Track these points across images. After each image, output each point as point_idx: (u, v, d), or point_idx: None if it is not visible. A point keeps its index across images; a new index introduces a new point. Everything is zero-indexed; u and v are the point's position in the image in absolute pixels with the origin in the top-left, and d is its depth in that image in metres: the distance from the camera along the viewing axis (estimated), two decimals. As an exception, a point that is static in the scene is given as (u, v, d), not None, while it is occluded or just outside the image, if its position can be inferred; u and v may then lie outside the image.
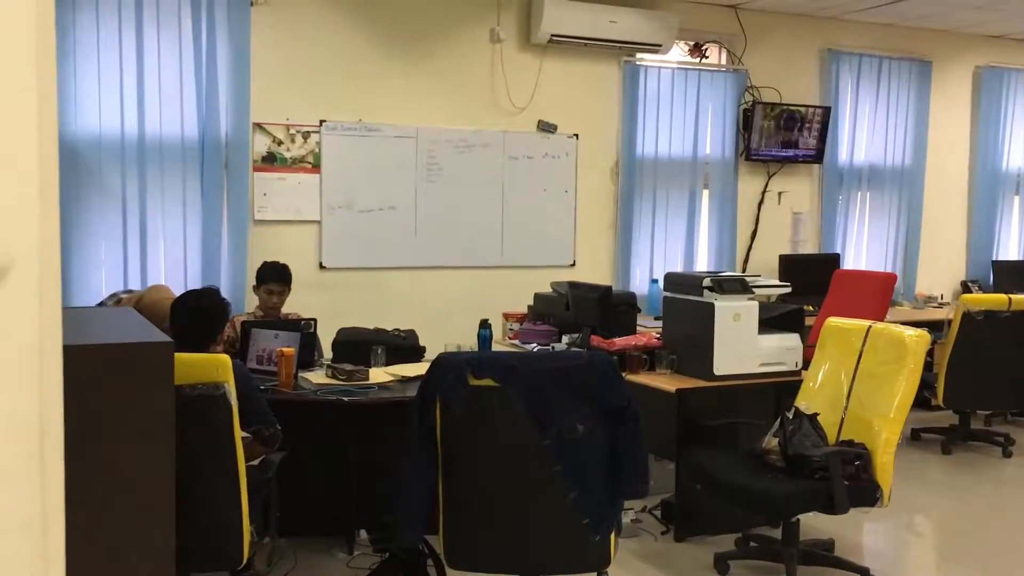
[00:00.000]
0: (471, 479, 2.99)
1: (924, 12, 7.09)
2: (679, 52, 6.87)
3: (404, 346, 4.49)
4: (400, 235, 6.05)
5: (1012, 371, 5.89)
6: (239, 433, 3.03)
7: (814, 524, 4.19)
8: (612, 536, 3.01)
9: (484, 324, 4.98)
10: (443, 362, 2.97)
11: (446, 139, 6.12)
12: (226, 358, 2.99)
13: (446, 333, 4.93)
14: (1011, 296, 5.89)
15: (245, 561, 3.10)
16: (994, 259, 8.10)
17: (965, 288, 7.83)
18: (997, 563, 4.25)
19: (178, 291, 4.09)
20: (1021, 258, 8.27)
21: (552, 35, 6.17)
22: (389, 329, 4.70)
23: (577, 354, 3.35)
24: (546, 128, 6.41)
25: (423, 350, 4.55)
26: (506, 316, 5.48)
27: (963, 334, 5.72)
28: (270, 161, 5.69)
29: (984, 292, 7.49)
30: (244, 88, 5.52)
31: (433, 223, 6.13)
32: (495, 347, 5.05)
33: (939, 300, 7.60)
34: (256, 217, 5.66)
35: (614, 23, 6.27)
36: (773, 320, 4.45)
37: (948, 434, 6.13)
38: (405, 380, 4.05)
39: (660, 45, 6.47)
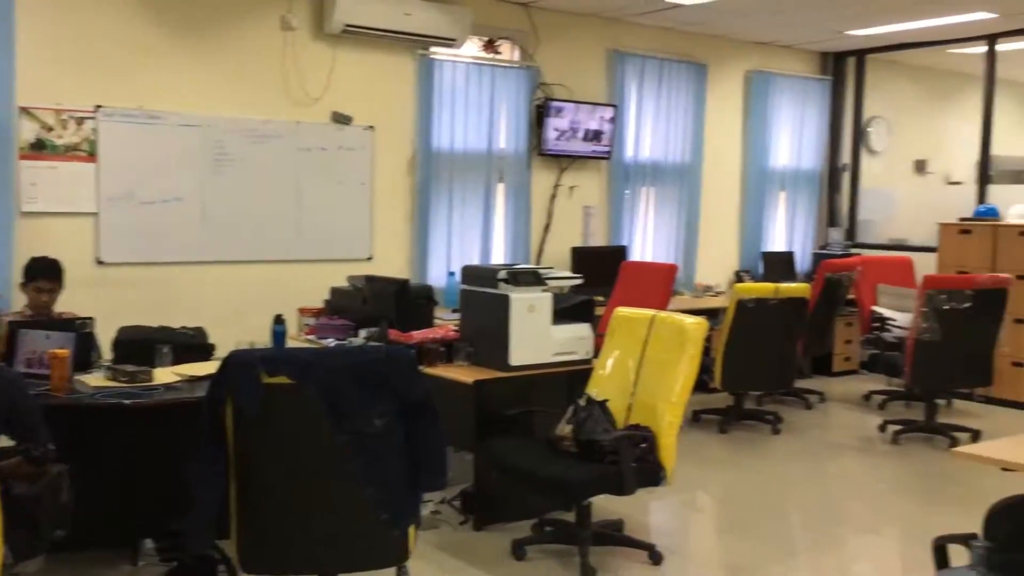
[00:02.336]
0: (265, 480, 2.91)
1: (699, 18, 7.53)
2: (473, 47, 6.95)
3: (192, 344, 4.29)
4: (187, 228, 5.78)
5: (780, 354, 6.39)
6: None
7: (606, 506, 4.36)
8: (411, 529, 3.01)
9: (278, 320, 4.85)
10: (234, 360, 2.86)
11: (235, 129, 5.90)
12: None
13: (238, 330, 4.75)
14: (778, 285, 6.37)
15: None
16: (764, 250, 8.73)
17: (738, 278, 8.40)
18: (770, 530, 4.59)
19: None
20: (787, 249, 8.96)
21: (346, 25, 6.07)
22: (176, 327, 4.48)
23: (375, 348, 3.33)
24: (341, 119, 6.31)
25: (213, 348, 4.36)
26: (301, 311, 5.36)
27: (737, 321, 6.13)
28: (39, 148, 5.28)
29: (755, 281, 8.06)
30: (6, 68, 5.08)
31: (223, 216, 5.89)
32: (290, 343, 4.93)
33: (716, 289, 8.12)
34: (24, 209, 5.24)
35: (409, 16, 6.26)
36: (566, 311, 4.59)
37: (724, 414, 6.56)
38: (194, 380, 3.87)
39: (454, 39, 6.52)
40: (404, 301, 4.87)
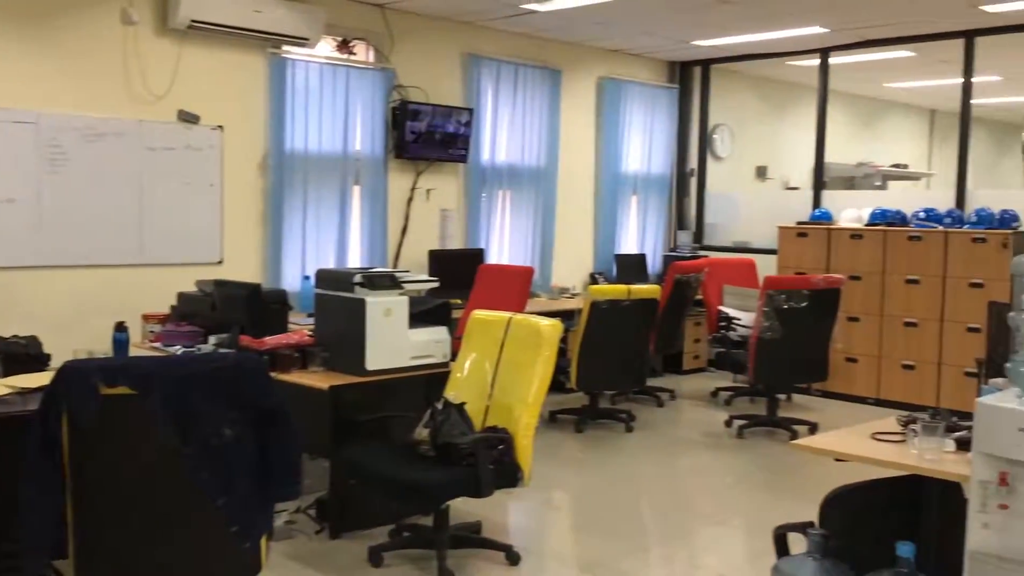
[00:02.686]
0: (106, 496, 2.76)
1: (553, 25, 7.66)
2: (327, 47, 6.84)
3: (24, 354, 4.04)
4: (19, 231, 5.44)
5: (633, 354, 6.56)
6: None
7: (465, 508, 4.37)
8: (263, 541, 2.93)
9: (120, 327, 4.63)
10: (70, 370, 2.71)
11: (72, 126, 5.60)
12: None
13: (77, 338, 4.52)
14: (630, 286, 6.54)
15: None
16: (617, 253, 8.95)
17: (593, 280, 8.59)
18: (624, 526, 4.71)
19: None
20: (639, 252, 9.22)
21: (192, 20, 5.86)
22: (7, 336, 4.21)
23: (223, 355, 3.21)
24: (187, 118, 6.09)
25: (47, 358, 4.12)
26: (146, 318, 5.13)
27: (591, 322, 6.26)
28: None
29: (609, 283, 8.25)
30: None
31: (59, 218, 5.58)
32: (133, 352, 4.72)
33: (572, 291, 8.27)
34: None
35: (259, 13, 6.10)
36: (423, 314, 4.57)
37: (580, 414, 6.70)
38: (25, 392, 3.64)
39: (307, 39, 6.40)
40: (256, 306, 4.73)
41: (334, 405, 4.23)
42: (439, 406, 3.94)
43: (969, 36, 7.55)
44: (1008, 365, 2.59)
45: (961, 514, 2.62)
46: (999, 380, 2.77)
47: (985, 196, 7.61)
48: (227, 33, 6.09)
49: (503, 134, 7.97)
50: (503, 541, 4.22)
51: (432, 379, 4.43)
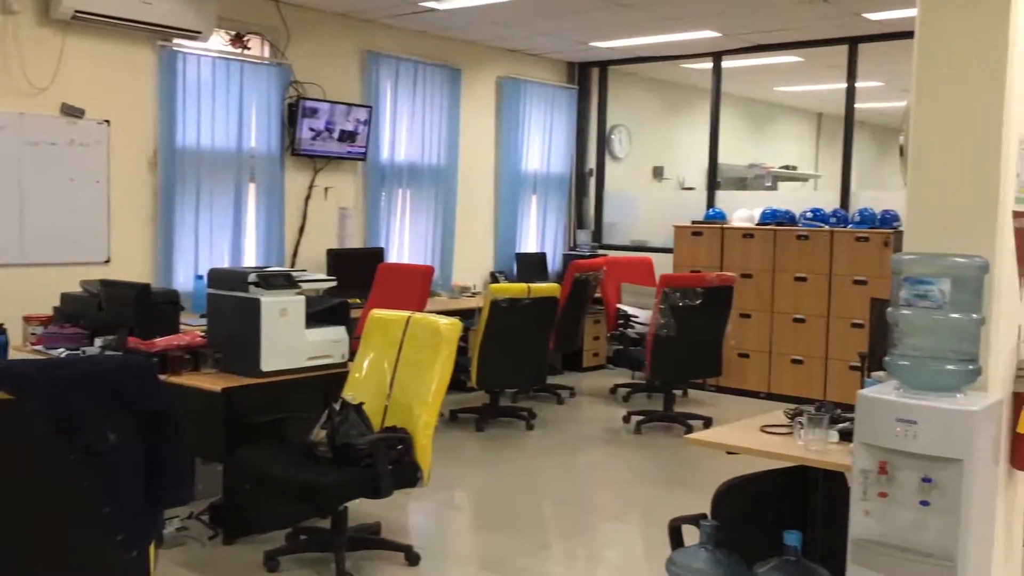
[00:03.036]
0: (-19, 507, 2.63)
1: (452, 23, 7.64)
2: (220, 41, 6.67)
3: None
4: None
5: (533, 352, 6.60)
6: None
7: (364, 509, 4.33)
8: (152, 549, 2.83)
9: (-1, 330, 4.43)
10: (-59, 376, 2.57)
11: (-54, 119, 5.32)
12: None
13: (-50, 342, 4.30)
14: (530, 285, 6.58)
15: None
16: (517, 252, 9.00)
17: (494, 279, 8.61)
18: (525, 523, 4.74)
19: None
20: (539, 250, 9.28)
21: (76, 11, 5.63)
22: None
23: (107, 358, 3.09)
24: (72, 112, 5.85)
25: (-81, 363, 3.91)
26: (27, 319, 4.91)
27: (491, 321, 6.27)
28: None
29: (510, 282, 8.29)
30: None
31: (-69, 215, 5.30)
32: (13, 355, 4.52)
33: (473, 290, 8.27)
34: None
35: (148, 4, 5.90)
36: (320, 314, 4.51)
37: (481, 413, 6.71)
38: None
39: (199, 32, 6.23)
40: (145, 307, 4.59)
41: (228, 407, 4.13)
42: (337, 407, 3.89)
43: (853, 42, 7.85)
44: (887, 359, 2.70)
45: (845, 503, 2.72)
46: (880, 373, 2.88)
47: (868, 197, 7.94)
48: (114, 24, 5.88)
49: (403, 132, 7.91)
50: (403, 541, 4.19)
51: (330, 379, 4.37)
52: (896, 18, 6.88)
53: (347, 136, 7.32)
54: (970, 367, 2.58)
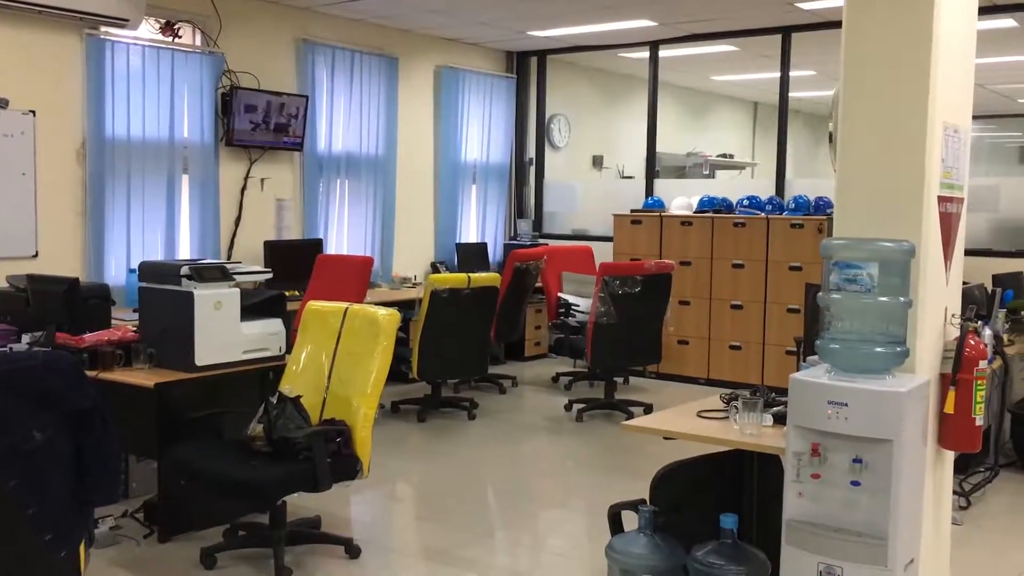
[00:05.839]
0: (-100, 510, 2.54)
1: (389, 12, 7.57)
2: (150, 29, 6.52)
3: None
4: None
5: (474, 342, 6.59)
6: None
7: (304, 504, 4.28)
8: (82, 549, 2.76)
9: (-81, 327, 4.27)
10: None
11: None
12: None
13: None
14: (471, 275, 6.56)
15: None
16: (458, 242, 8.97)
17: (435, 269, 8.58)
18: (468, 513, 4.73)
19: None
20: (480, 240, 9.26)
21: (-3, -3, 5.46)
22: None
23: (31, 354, 3.00)
24: (-6, 102, 5.67)
25: None
26: (-50, 317, 4.75)
27: (432, 311, 6.24)
28: None
29: (451, 272, 8.26)
30: None
31: None
32: (-65, 353, 4.35)
33: (413, 281, 8.23)
34: None
35: (73, -9, 5.75)
36: (256, 306, 4.44)
37: (422, 404, 6.68)
38: None
39: (127, 20, 6.07)
40: (75, 302, 4.46)
41: (161, 403, 4.05)
42: (274, 400, 3.84)
43: (786, 32, 7.97)
44: (818, 342, 2.74)
45: (779, 485, 2.77)
46: (814, 357, 2.94)
47: (803, 184, 8.07)
48: (37, 11, 5.71)
49: (340, 122, 7.82)
50: (343, 535, 4.15)
51: (267, 373, 4.31)
52: (828, 7, 6.99)
53: (283, 126, 7.21)
54: (898, 349, 2.64)
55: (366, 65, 7.95)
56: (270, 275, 4.87)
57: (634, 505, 3.14)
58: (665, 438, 3.25)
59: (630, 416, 6.45)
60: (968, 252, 3.10)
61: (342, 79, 7.77)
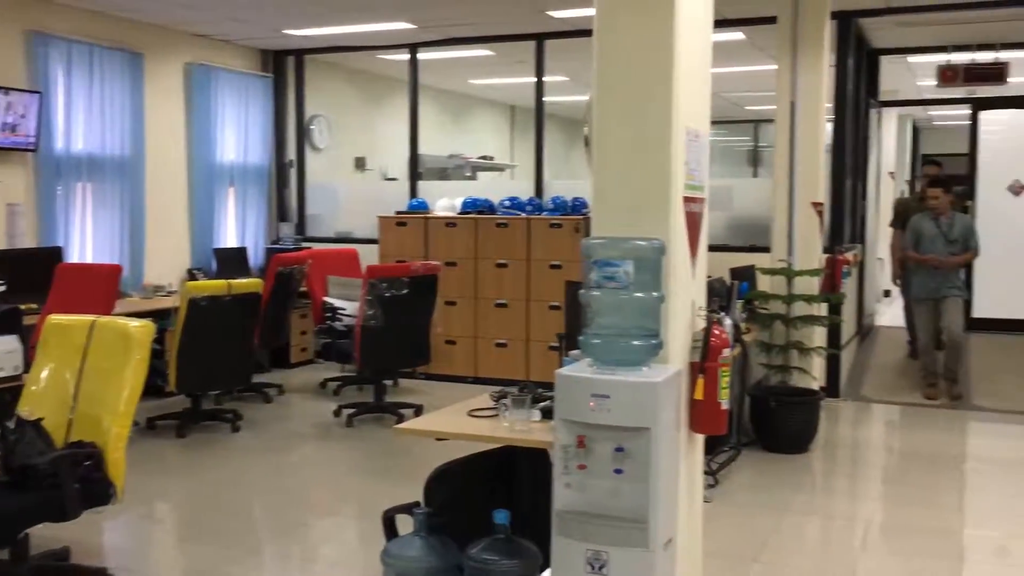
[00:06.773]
0: None
1: (132, 5, 7.14)
2: None
3: None
4: None
5: (236, 351, 6.34)
6: None
7: (51, 535, 3.93)
8: None
9: None
10: None
11: None
12: None
13: None
14: (231, 281, 6.30)
15: None
16: (216, 247, 8.59)
17: (191, 276, 8.16)
18: (234, 530, 4.54)
19: None
20: (239, 245, 8.92)
21: None
22: None
23: None
24: None
25: None
26: None
27: (190, 321, 5.94)
28: None
29: (208, 279, 7.89)
30: None
31: None
32: None
33: (168, 289, 7.78)
34: None
35: None
36: (-14, 323, 4.05)
37: (182, 418, 6.34)
38: None
39: None
40: None
41: None
42: (11, 424, 3.51)
43: (540, 39, 8.25)
44: (581, 338, 2.85)
45: (549, 478, 2.85)
46: (576, 352, 3.05)
47: (560, 185, 8.39)
48: None
49: (80, 122, 7.26)
50: (96, 565, 3.89)
51: (2, 394, 3.94)
52: (578, 16, 7.31)
53: (12, 125, 6.59)
54: (653, 342, 2.79)
55: (107, 61, 7.43)
56: (3, 287, 4.45)
57: (408, 508, 3.13)
58: (437, 439, 3.26)
59: (401, 419, 6.44)
60: (709, 248, 3.33)
61: (80, 75, 7.22)
